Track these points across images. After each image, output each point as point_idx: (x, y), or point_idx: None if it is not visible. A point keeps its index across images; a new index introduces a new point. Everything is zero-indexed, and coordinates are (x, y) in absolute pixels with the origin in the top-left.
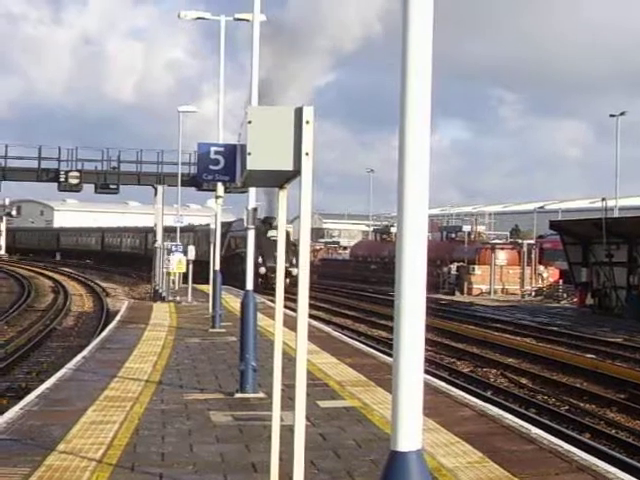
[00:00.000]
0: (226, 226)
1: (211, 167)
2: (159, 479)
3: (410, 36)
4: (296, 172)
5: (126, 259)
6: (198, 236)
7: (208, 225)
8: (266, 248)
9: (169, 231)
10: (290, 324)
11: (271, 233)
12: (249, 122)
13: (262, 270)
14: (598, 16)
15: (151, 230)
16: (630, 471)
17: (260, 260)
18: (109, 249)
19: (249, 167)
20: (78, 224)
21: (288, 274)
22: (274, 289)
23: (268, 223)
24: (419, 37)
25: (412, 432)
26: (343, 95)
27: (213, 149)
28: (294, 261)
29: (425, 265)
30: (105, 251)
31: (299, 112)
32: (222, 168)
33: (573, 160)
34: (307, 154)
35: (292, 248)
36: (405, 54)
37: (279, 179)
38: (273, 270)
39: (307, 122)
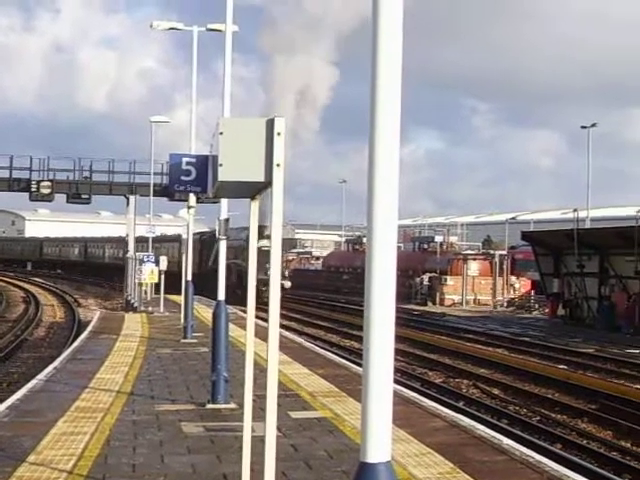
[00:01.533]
0: (214, 236)
1: (183, 178)
2: None
3: (380, 45)
4: (267, 183)
5: (108, 269)
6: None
7: (201, 234)
8: (257, 259)
9: (158, 241)
10: (262, 335)
11: (262, 243)
12: (220, 133)
13: None
14: (570, 29)
15: (136, 240)
16: None
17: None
18: (91, 259)
19: (220, 178)
20: (50, 234)
21: (281, 287)
22: (266, 303)
23: (259, 232)
24: (389, 47)
25: (381, 443)
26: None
27: (185, 160)
28: (286, 273)
29: (394, 276)
30: (88, 261)
31: (270, 123)
32: (194, 179)
33: (545, 170)
34: (278, 165)
35: (282, 260)
36: (375, 63)
37: (250, 190)
38: (264, 283)
39: (278, 134)
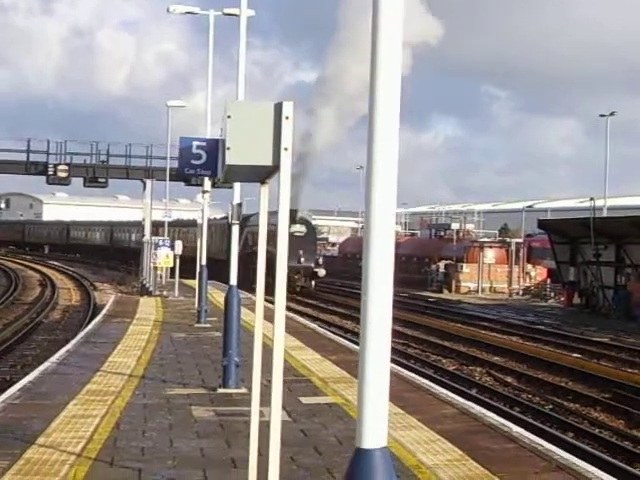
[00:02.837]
0: (243, 220)
1: (193, 161)
2: (138, 474)
3: (380, 28)
4: (275, 167)
5: (134, 254)
6: (212, 231)
7: (224, 219)
8: (288, 245)
9: (180, 225)
10: (272, 318)
11: (295, 228)
12: (228, 117)
13: None
14: (591, 14)
15: (162, 224)
16: (611, 471)
17: None
18: (117, 244)
19: (228, 162)
20: (65, 218)
21: (314, 275)
22: (296, 292)
23: (291, 217)
24: (389, 29)
25: (377, 429)
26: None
27: (195, 143)
28: (320, 261)
29: (392, 262)
30: (114, 246)
31: (279, 107)
32: (204, 162)
33: (564, 159)
34: (286, 149)
35: (316, 246)
36: (375, 48)
37: (260, 174)
38: (297, 270)
39: (287, 117)
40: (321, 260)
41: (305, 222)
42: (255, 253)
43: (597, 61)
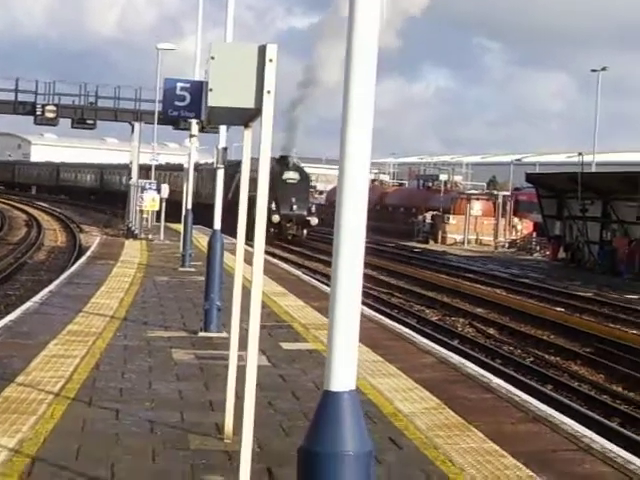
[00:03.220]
0: (234, 166)
1: (177, 103)
2: (116, 414)
3: None
4: (257, 110)
5: (125, 197)
6: (202, 176)
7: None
8: (281, 193)
9: (168, 169)
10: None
11: (288, 175)
12: (212, 58)
13: (275, 218)
14: None
15: (158, 167)
16: (588, 424)
17: (273, 206)
18: (107, 186)
19: (210, 103)
20: (53, 159)
21: (307, 223)
22: (289, 240)
23: (284, 163)
24: None
25: (346, 372)
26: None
27: (179, 85)
28: (313, 209)
29: (365, 209)
30: (104, 189)
31: (263, 50)
32: (188, 104)
33: (554, 113)
34: (269, 92)
35: (311, 193)
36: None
37: (242, 117)
38: (289, 218)
39: (270, 60)
40: (314, 208)
41: (298, 169)
42: (250, 199)
43: (589, 17)
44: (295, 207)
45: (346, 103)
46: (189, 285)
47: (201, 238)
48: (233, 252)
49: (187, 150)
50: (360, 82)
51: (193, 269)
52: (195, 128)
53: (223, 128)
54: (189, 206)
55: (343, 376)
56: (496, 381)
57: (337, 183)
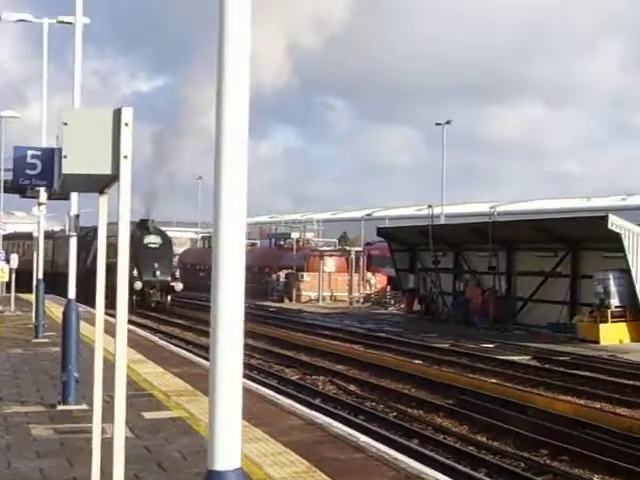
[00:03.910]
0: (93, 232)
1: (28, 171)
2: None
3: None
4: (114, 176)
5: None
6: (58, 244)
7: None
8: (143, 258)
9: (16, 238)
10: (114, 332)
11: (149, 239)
12: (64, 124)
13: (138, 285)
14: (430, 29)
15: (7, 237)
16: (457, 477)
17: (135, 272)
18: None
19: (65, 171)
20: None
21: (171, 289)
22: (151, 308)
23: (145, 227)
24: (237, 39)
25: (230, 450)
26: (175, 100)
27: (30, 152)
28: (177, 274)
29: (243, 271)
30: None
31: (118, 113)
32: (39, 172)
33: (402, 167)
34: (126, 157)
35: (173, 258)
36: (221, 58)
37: (98, 183)
38: (152, 285)
39: (126, 124)
40: (178, 273)
41: (160, 233)
42: (109, 265)
43: (436, 73)
44: (158, 273)
45: (218, 161)
46: (44, 357)
47: (55, 308)
48: (90, 322)
49: (35, 218)
50: (232, 141)
51: (47, 340)
52: (44, 196)
53: (74, 195)
54: (40, 276)
55: (227, 454)
56: (364, 439)
57: (212, 245)
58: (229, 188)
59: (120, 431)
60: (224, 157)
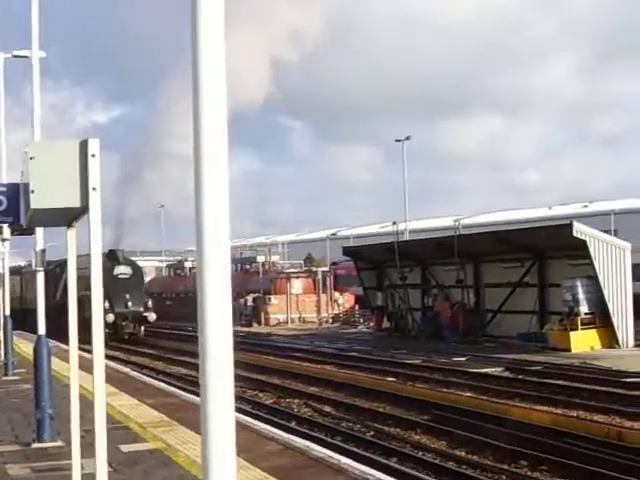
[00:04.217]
0: (62, 265)
1: None
2: None
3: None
4: (84, 209)
5: None
6: (26, 279)
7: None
8: (114, 289)
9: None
10: (87, 367)
11: (119, 270)
12: (31, 158)
13: (110, 317)
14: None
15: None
16: None
17: (107, 304)
18: None
19: (33, 206)
20: None
21: (144, 320)
22: (124, 339)
23: (114, 258)
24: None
25: None
26: (132, 130)
27: None
28: (149, 304)
29: (230, 297)
30: None
31: (84, 145)
32: (5, 209)
33: (363, 185)
34: (94, 189)
35: (144, 288)
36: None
37: (67, 217)
38: (124, 316)
39: (93, 155)
40: (150, 303)
41: (130, 263)
42: (80, 299)
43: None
44: (130, 304)
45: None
46: (15, 394)
47: (24, 344)
48: (60, 357)
49: None
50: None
51: (18, 377)
52: (7, 232)
53: (40, 229)
54: (7, 312)
55: None
56: (345, 461)
57: (197, 272)
58: (211, 211)
59: (102, 467)
60: (204, 182)
